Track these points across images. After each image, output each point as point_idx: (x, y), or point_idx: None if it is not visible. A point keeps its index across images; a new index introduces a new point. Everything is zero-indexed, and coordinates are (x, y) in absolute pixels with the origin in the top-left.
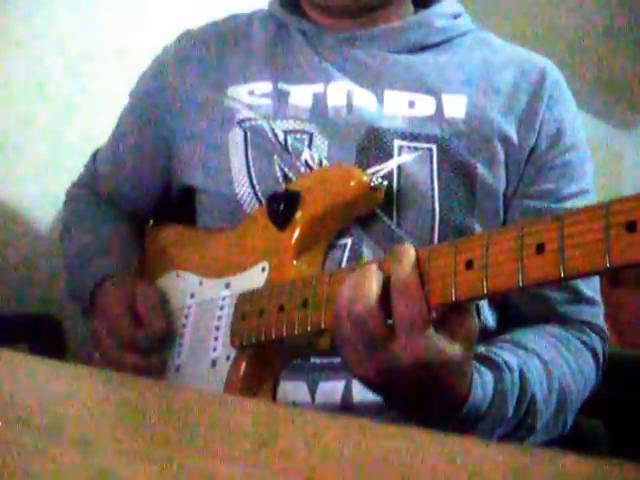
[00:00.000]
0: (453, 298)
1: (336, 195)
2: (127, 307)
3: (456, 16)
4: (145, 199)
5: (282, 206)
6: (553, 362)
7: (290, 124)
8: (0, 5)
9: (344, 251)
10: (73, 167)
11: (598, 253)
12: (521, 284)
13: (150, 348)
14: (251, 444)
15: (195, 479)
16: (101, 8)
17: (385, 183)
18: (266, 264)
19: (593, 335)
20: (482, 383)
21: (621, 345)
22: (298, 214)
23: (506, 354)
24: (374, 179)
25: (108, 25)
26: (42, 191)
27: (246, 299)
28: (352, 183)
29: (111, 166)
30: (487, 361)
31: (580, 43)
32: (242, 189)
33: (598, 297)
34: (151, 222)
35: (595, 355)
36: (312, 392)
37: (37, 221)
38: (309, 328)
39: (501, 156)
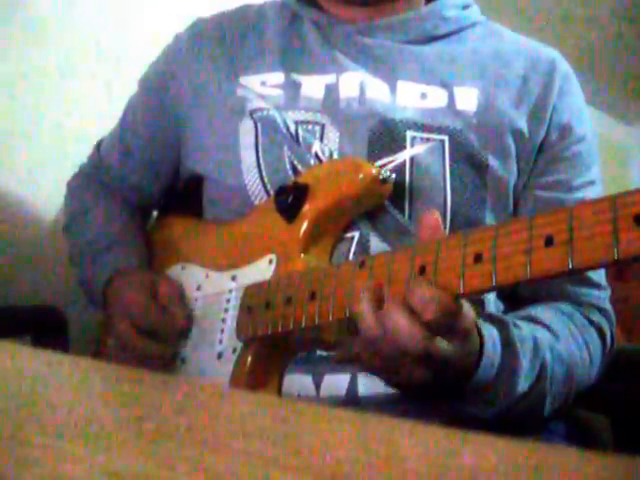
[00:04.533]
0: (461, 291)
1: (344, 188)
2: (149, 296)
3: (465, 7)
4: (153, 188)
5: (290, 199)
6: (561, 333)
7: (302, 114)
8: (0, 4)
9: (351, 244)
10: (76, 157)
11: (607, 245)
12: (529, 276)
13: (173, 337)
14: (266, 442)
15: (205, 476)
16: (101, 4)
17: (394, 176)
18: (273, 256)
19: (599, 315)
20: (490, 338)
21: (627, 341)
22: (306, 207)
23: (515, 320)
24: (383, 172)
25: (109, 22)
26: (45, 182)
27: (253, 292)
28: (360, 176)
29: (118, 154)
30: (495, 321)
31: (585, 36)
32: (251, 180)
33: (604, 282)
34: (155, 214)
35: (601, 334)
36: (317, 385)
37: (41, 212)
38: (317, 321)
39: (512, 148)
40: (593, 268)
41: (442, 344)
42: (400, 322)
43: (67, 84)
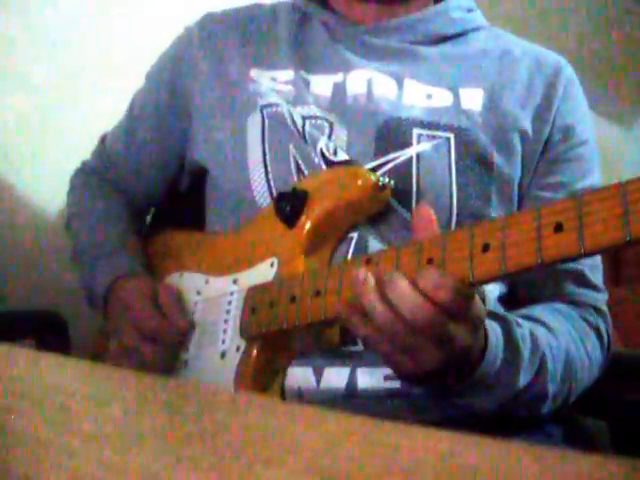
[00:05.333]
0: (471, 280)
1: (343, 195)
2: (150, 301)
3: (470, 10)
4: (157, 181)
5: (289, 206)
6: (559, 332)
7: (311, 110)
8: (0, 5)
9: (350, 245)
10: (79, 158)
11: (618, 227)
12: (540, 262)
13: (175, 341)
14: (269, 442)
15: (209, 476)
16: (103, 4)
17: (392, 182)
18: (275, 260)
19: (596, 316)
20: (494, 334)
21: (624, 345)
22: (305, 214)
23: (517, 318)
24: (381, 179)
25: (111, 21)
26: (47, 186)
27: (256, 292)
28: (359, 183)
29: (124, 146)
30: (497, 318)
31: (581, 39)
32: (256, 176)
33: (602, 285)
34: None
35: (599, 335)
36: (317, 377)
37: (42, 217)
38: (323, 317)
39: (517, 147)
40: (605, 250)
41: (454, 327)
42: (412, 300)
43: (69, 82)
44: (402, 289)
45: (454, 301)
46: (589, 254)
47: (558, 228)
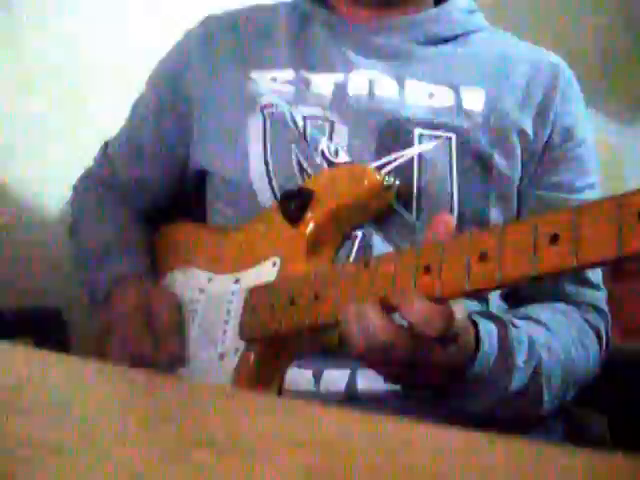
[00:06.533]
0: (467, 289)
1: (349, 194)
2: (143, 321)
3: (471, 12)
4: (161, 185)
5: (295, 204)
6: (558, 333)
7: (312, 110)
8: (3, 4)
9: (354, 243)
10: (78, 158)
11: (611, 242)
12: (534, 273)
13: (162, 365)
14: (273, 442)
15: (208, 476)
16: (106, 4)
17: (398, 182)
18: (277, 259)
19: (596, 315)
20: (489, 336)
21: (623, 339)
22: (310, 212)
23: (514, 319)
24: (387, 178)
25: (114, 23)
26: (44, 184)
27: (257, 293)
28: (365, 182)
29: (127, 153)
30: (494, 320)
31: (581, 37)
32: (258, 177)
33: (601, 284)
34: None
35: (598, 334)
36: (317, 380)
37: (42, 214)
38: (320, 321)
39: (517, 148)
40: (598, 265)
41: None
42: (387, 335)
43: (70, 85)
44: (374, 317)
45: (435, 338)
46: (582, 267)
47: (554, 239)
